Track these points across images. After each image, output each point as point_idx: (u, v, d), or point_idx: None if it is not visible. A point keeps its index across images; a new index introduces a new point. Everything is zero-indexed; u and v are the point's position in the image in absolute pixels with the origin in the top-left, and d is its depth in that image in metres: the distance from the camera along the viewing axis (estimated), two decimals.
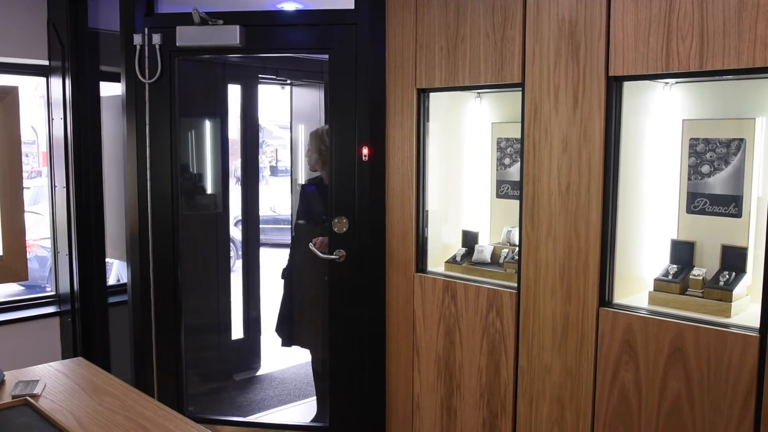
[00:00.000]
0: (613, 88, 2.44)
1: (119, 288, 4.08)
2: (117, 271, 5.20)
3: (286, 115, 5.15)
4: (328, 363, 3.42)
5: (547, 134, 2.62)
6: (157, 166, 3.34)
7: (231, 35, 3.15)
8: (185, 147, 4.32)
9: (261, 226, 5.15)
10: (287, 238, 5.11)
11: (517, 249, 2.87)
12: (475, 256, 3.16)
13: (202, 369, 4.48)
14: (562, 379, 2.65)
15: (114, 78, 3.56)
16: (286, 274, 4.13)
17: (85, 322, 3.79)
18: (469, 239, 3.27)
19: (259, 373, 4.80)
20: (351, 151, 3.22)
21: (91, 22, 3.73)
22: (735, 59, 2.12)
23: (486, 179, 3.32)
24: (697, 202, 2.50)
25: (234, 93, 4.73)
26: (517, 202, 2.78)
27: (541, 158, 2.64)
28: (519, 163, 2.77)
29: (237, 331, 4.83)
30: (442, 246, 3.30)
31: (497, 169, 3.25)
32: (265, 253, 5.05)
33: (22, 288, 5.99)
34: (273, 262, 5.09)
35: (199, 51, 3.36)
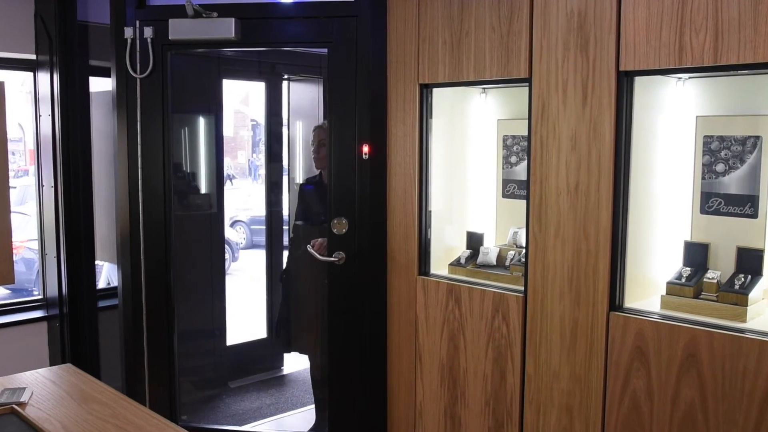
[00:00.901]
0: (624, 83, 2.44)
1: (109, 291, 4.08)
2: (107, 274, 5.20)
3: (283, 112, 5.14)
4: (328, 369, 3.42)
5: (555, 131, 2.62)
6: (148, 165, 3.35)
7: (226, 28, 3.16)
8: (178, 145, 4.32)
9: (256, 227, 5.16)
10: (284, 239, 5.12)
11: (523, 251, 2.88)
12: (480, 259, 3.16)
13: (196, 376, 4.48)
14: (571, 387, 2.65)
15: (104, 73, 3.56)
16: (284, 277, 4.13)
17: (73, 327, 3.79)
18: (474, 241, 3.27)
19: (283, 373, 4.87)
20: (351, 149, 3.22)
21: (80, 14, 3.73)
22: (751, 53, 2.12)
23: (491, 178, 3.32)
24: (712, 202, 2.50)
25: (229, 89, 4.74)
26: (524, 202, 2.79)
27: (548, 156, 2.65)
28: (526, 162, 2.77)
29: (233, 337, 4.84)
30: (446, 248, 3.31)
31: (503, 168, 3.25)
32: (261, 254, 5.05)
33: (8, 292, 6.00)
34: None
35: (192, 45, 3.37)
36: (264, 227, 5.02)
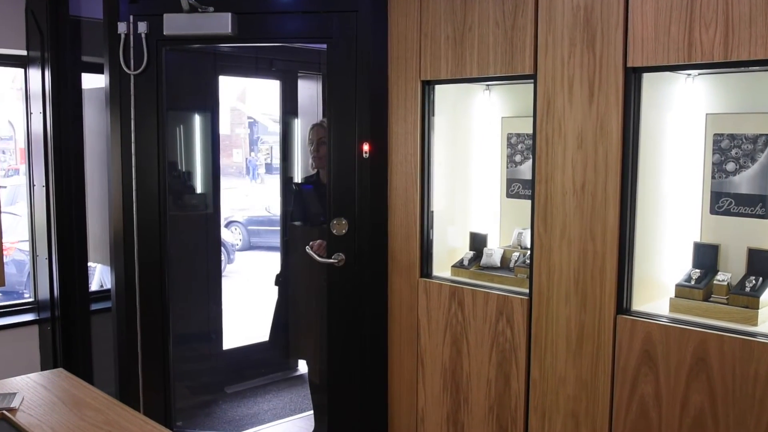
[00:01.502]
0: (632, 79, 2.44)
1: (102, 294, 4.08)
2: (100, 276, 5.20)
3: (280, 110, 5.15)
4: (327, 374, 3.42)
5: (560, 129, 2.62)
6: (142, 164, 3.35)
7: (222, 23, 3.16)
8: (173, 143, 4.33)
9: (254, 227, 5.16)
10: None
11: (528, 252, 2.88)
12: (484, 260, 3.16)
13: (191, 381, 4.49)
14: (577, 392, 2.65)
15: (97, 69, 3.56)
16: (281, 280, 4.13)
17: (65, 331, 3.80)
18: (478, 242, 3.27)
19: (298, 374, 4.91)
20: (351, 148, 3.22)
21: (72, 9, 3.73)
22: (762, 49, 2.12)
23: (495, 178, 3.32)
24: (722, 202, 2.50)
25: (226, 85, 4.74)
26: (529, 202, 2.79)
27: (554, 155, 2.65)
28: (531, 161, 2.77)
29: (229, 340, 4.84)
30: (449, 249, 3.31)
31: (507, 167, 3.25)
32: (258, 256, 5.05)
33: None
34: (268, 266, 5.11)
35: (188, 40, 3.37)
36: (264, 228, 5.03)
